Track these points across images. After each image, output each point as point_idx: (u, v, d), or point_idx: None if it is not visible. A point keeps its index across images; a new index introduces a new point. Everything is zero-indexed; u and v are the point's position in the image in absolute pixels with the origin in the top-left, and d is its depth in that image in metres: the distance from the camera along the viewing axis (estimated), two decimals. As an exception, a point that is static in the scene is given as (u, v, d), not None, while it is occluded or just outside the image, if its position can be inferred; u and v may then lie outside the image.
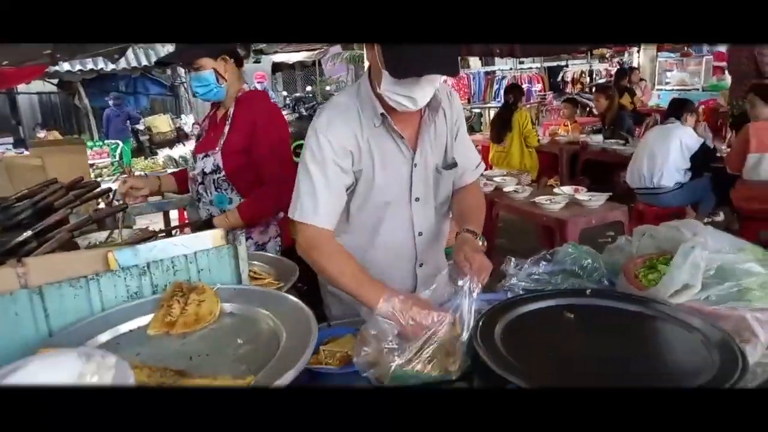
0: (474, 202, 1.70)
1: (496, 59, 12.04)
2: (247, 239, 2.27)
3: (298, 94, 14.41)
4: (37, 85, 11.41)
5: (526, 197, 3.87)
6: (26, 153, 6.04)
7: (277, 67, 13.13)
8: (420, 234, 1.67)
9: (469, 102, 11.87)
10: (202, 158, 2.24)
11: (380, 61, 1.38)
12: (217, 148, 2.19)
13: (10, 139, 10.28)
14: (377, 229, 1.63)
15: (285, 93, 14.66)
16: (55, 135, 9.65)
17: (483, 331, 1.35)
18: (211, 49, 2.11)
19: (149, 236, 1.62)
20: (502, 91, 11.13)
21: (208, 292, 1.20)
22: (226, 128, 2.20)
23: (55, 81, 10.66)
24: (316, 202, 1.47)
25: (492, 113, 10.43)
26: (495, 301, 1.64)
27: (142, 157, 9.07)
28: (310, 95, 14.12)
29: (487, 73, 12.31)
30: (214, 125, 2.31)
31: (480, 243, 1.55)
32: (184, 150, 8.13)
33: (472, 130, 10.17)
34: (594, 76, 12.17)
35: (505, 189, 4.03)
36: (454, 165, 1.66)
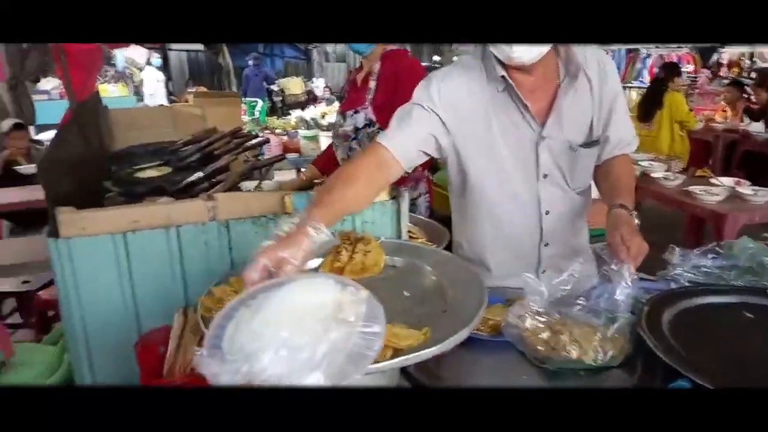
0: (624, 171, 1.52)
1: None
2: (420, 195, 2.40)
3: (424, 64, 14.33)
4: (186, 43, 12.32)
5: (677, 185, 3.57)
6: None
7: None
8: (547, 213, 1.54)
9: (606, 81, 11.11)
10: (352, 114, 2.38)
11: None
12: (366, 103, 2.34)
13: (162, 92, 11.24)
14: (499, 200, 1.53)
15: (412, 62, 14.64)
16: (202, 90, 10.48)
17: (649, 319, 1.28)
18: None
19: (310, 185, 1.69)
20: (645, 71, 10.31)
21: (373, 243, 1.23)
22: (372, 84, 2.35)
23: (203, 40, 11.45)
24: (400, 129, 1.41)
25: (632, 94, 9.71)
26: (654, 290, 1.53)
27: (275, 117, 9.54)
28: (438, 65, 13.99)
29: (629, 50, 11.42)
30: (355, 85, 2.45)
31: (635, 221, 1.39)
32: (314, 112, 8.42)
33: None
34: (754, 59, 10.87)
35: (654, 174, 3.73)
36: (596, 143, 1.51)
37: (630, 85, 10.63)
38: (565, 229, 1.58)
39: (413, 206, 2.32)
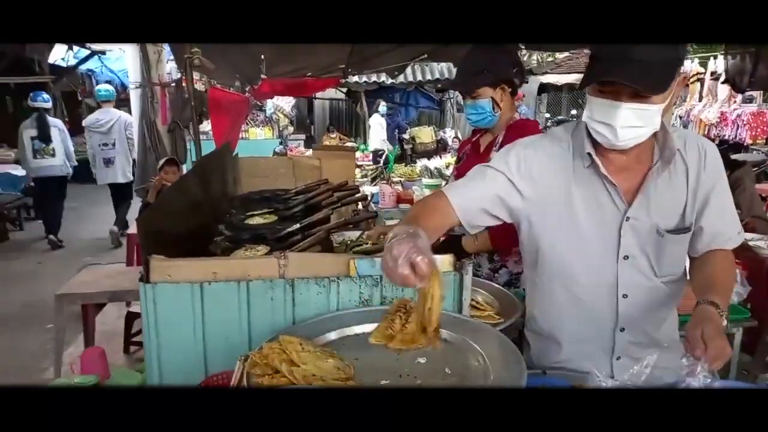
0: (721, 269, 1.39)
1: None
2: (501, 267, 2.28)
3: (560, 117, 14.01)
4: (330, 93, 13.26)
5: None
6: (308, 154, 7.12)
7: (543, 88, 12.97)
8: (625, 296, 1.44)
9: (767, 143, 10.02)
10: None
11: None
12: None
13: (303, 137, 12.17)
14: (575, 276, 1.46)
15: (548, 115, 14.38)
16: (340, 136, 11.17)
17: None
18: (493, 79, 2.15)
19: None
20: None
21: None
22: (494, 153, 2.17)
23: (345, 90, 12.28)
24: (465, 185, 1.43)
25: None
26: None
27: (403, 164, 9.85)
28: (574, 119, 13.60)
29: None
30: (476, 150, 2.35)
31: (724, 322, 1.27)
32: (439, 162, 8.56)
33: (766, 176, 8.54)
34: None
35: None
36: (686, 230, 1.40)
37: None
38: (646, 317, 1.47)
39: (516, 279, 2.21)
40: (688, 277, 1.48)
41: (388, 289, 1.32)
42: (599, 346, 1.48)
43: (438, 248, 2.16)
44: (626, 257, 1.41)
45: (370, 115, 12.11)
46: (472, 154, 2.37)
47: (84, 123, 7.26)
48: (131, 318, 3.90)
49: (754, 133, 10.07)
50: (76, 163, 7.40)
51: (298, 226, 2.00)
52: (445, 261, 1.33)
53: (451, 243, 2.19)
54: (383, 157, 8.29)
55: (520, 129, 2.19)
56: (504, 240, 2.08)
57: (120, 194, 7.20)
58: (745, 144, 9.71)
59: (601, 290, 1.44)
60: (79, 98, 10.35)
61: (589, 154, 1.37)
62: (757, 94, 9.92)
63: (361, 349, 1.18)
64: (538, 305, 1.56)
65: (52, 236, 7.09)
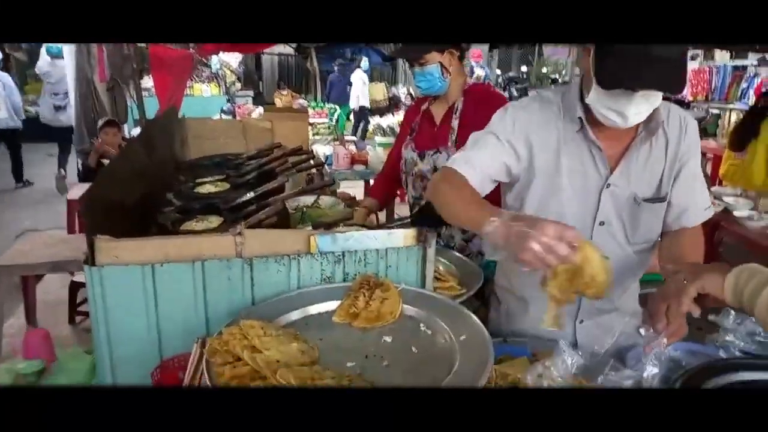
0: (689, 250, 1.43)
1: (750, 53, 10.28)
2: (474, 236, 2.18)
3: (511, 74, 14.07)
4: (279, 48, 12.81)
5: (762, 227, 3.28)
6: (258, 113, 7.05)
7: (493, 44, 12.94)
8: None
9: (707, 100, 10.39)
10: (432, 155, 2.20)
11: (591, 67, 1.25)
12: (449, 144, 2.15)
13: (251, 93, 11.76)
14: None
15: (498, 71, 14.40)
16: (291, 93, 10.88)
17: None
18: (438, 44, 2.08)
19: (348, 217, 1.70)
20: (751, 91, 9.54)
21: (392, 290, 1.22)
22: (455, 122, 2.16)
23: (294, 45, 11.87)
24: (471, 157, 1.40)
25: (733, 116, 9.03)
26: (701, 355, 1.42)
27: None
28: (525, 76, 13.69)
29: (735, 68, 10.61)
30: (431, 121, 2.27)
31: None
32: (392, 120, 8.49)
33: (705, 132, 8.89)
34: None
35: (736, 213, 3.45)
36: (662, 200, 1.44)
37: (732, 106, 9.90)
38: (614, 282, 1.50)
39: (469, 244, 2.20)
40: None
41: (350, 266, 1.29)
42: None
43: (420, 214, 2.17)
44: (602, 223, 1.44)
45: (327, 72, 11.80)
46: (427, 126, 2.29)
47: None
48: (75, 287, 3.74)
49: (694, 90, 10.40)
50: (23, 117, 7.67)
51: (252, 194, 1.92)
52: (408, 235, 1.30)
53: (428, 210, 2.14)
54: (335, 115, 8.13)
55: (483, 97, 2.16)
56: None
57: None
58: (686, 101, 10.03)
59: None
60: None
61: (580, 118, 1.37)
62: (699, 52, 10.19)
63: (325, 329, 1.15)
64: (512, 265, 1.56)
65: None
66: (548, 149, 1.41)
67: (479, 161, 1.40)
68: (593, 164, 1.41)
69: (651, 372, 1.12)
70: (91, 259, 1.15)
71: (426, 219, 2.11)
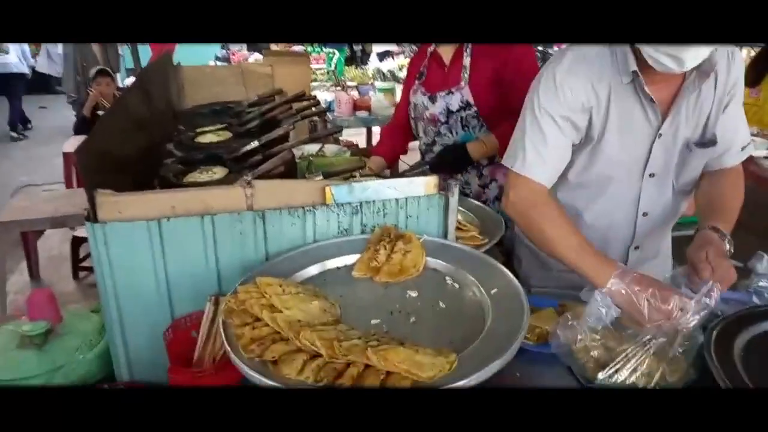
0: (729, 192, 1.36)
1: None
2: (491, 182, 2.19)
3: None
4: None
5: (780, 168, 3.19)
6: (254, 57, 6.86)
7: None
8: (645, 215, 1.42)
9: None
10: (444, 96, 2.10)
11: None
12: (462, 83, 2.05)
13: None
14: (594, 199, 1.42)
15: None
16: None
17: (719, 342, 1.13)
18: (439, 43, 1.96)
19: (361, 165, 1.61)
20: None
21: (414, 242, 1.15)
22: (467, 60, 2.05)
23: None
24: (542, 157, 1.31)
25: (745, 53, 8.75)
26: (734, 302, 1.37)
27: (354, 66, 9.42)
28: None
29: None
30: (440, 63, 2.16)
31: (727, 247, 1.25)
32: (392, 64, 8.23)
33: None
34: None
35: (755, 153, 3.34)
36: (712, 143, 1.34)
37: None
38: (658, 232, 1.46)
39: (486, 190, 2.14)
40: None
41: (368, 217, 1.21)
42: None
43: (439, 159, 2.08)
44: (652, 175, 1.36)
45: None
46: (437, 68, 2.18)
47: None
48: (77, 242, 3.69)
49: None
50: (34, 62, 7.79)
51: (257, 143, 1.82)
52: (429, 183, 1.21)
53: (455, 150, 2.07)
54: (333, 59, 7.87)
55: None
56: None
57: None
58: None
59: (623, 211, 1.41)
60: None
61: (634, 72, 1.25)
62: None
63: (345, 285, 1.09)
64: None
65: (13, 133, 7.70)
66: (598, 106, 1.31)
67: (549, 157, 1.31)
68: (644, 116, 1.31)
69: (690, 321, 1.07)
70: (93, 216, 1.07)
71: (442, 166, 2.04)
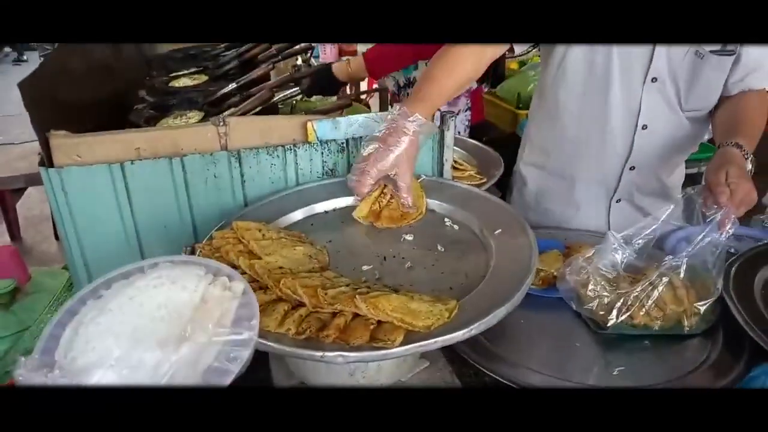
0: (750, 108, 1.22)
1: None
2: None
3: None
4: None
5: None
6: None
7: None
8: (644, 127, 1.29)
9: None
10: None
11: None
12: None
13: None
14: (594, 104, 1.30)
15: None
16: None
17: (738, 279, 1.06)
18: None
19: (347, 105, 1.49)
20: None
21: (414, 183, 1.04)
22: None
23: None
24: None
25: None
26: (748, 239, 1.29)
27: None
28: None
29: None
30: None
31: (749, 166, 1.13)
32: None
33: None
34: None
35: None
36: (731, 53, 1.20)
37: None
38: (660, 157, 1.32)
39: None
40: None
41: (356, 156, 1.10)
42: (604, 186, 1.39)
43: (310, 82, 1.93)
44: (654, 79, 1.23)
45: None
46: None
47: None
48: (58, 201, 3.55)
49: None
50: None
51: (234, 85, 1.69)
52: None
53: (320, 72, 2.00)
54: None
55: None
56: (381, 63, 1.94)
57: None
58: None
59: (620, 117, 1.29)
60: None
61: None
62: None
63: (333, 230, 0.98)
64: (549, 137, 1.43)
65: None
66: None
67: None
68: None
69: (717, 244, 0.98)
70: (47, 160, 0.95)
71: (313, 89, 1.99)
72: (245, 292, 0.67)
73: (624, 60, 1.22)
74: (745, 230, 1.29)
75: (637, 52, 1.21)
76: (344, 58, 2.03)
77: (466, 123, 2.14)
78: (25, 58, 8.93)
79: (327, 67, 1.99)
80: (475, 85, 2.21)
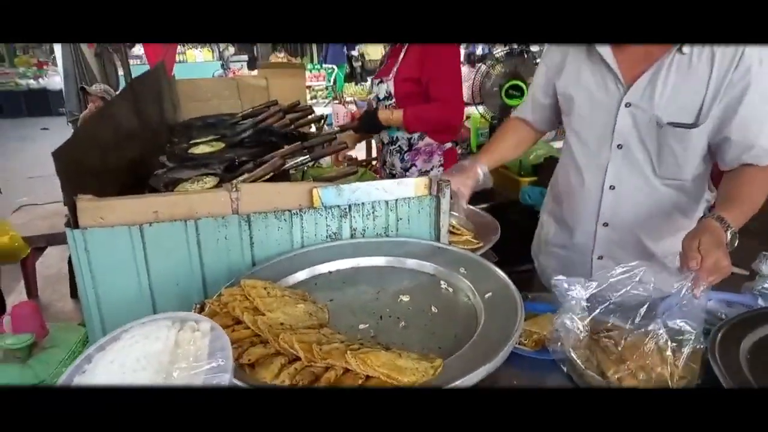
0: (748, 185, 1.25)
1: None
2: (411, 166, 2.41)
3: None
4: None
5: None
6: (254, 73, 6.86)
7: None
8: (611, 188, 1.41)
9: None
10: (378, 84, 2.37)
11: None
12: (390, 75, 2.29)
13: (246, 58, 11.46)
14: (571, 167, 1.51)
15: None
16: (287, 56, 10.62)
17: (724, 345, 1.09)
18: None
19: (352, 172, 1.59)
20: None
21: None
22: (401, 55, 2.28)
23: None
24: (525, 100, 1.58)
25: None
26: (738, 305, 1.32)
27: (353, 83, 9.46)
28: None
29: None
30: (394, 53, 2.39)
31: (728, 238, 1.15)
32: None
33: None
34: None
35: None
36: (690, 126, 1.26)
37: None
38: (636, 217, 1.40)
39: (404, 176, 2.34)
40: (708, 195, 1.44)
41: (357, 220, 1.18)
42: (582, 242, 1.52)
43: (359, 123, 2.40)
44: (620, 146, 1.36)
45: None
46: (392, 54, 2.41)
47: None
48: (76, 260, 3.65)
49: None
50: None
51: (249, 153, 1.80)
52: (419, 184, 1.18)
53: (367, 114, 2.36)
54: (333, 75, 7.90)
55: None
56: (415, 117, 2.24)
57: None
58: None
59: (590, 177, 1.43)
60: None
61: None
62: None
63: (336, 289, 1.05)
64: (554, 185, 1.66)
65: None
66: (572, 65, 1.43)
67: (531, 98, 1.63)
68: (602, 84, 1.37)
69: (689, 307, 1.02)
70: (73, 222, 1.04)
71: (361, 127, 2.42)
72: (213, 328, 0.75)
73: (593, 126, 1.41)
74: (735, 297, 1.33)
75: (604, 118, 1.37)
76: (389, 103, 2.38)
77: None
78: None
79: (374, 112, 2.34)
80: (449, 145, 2.45)
